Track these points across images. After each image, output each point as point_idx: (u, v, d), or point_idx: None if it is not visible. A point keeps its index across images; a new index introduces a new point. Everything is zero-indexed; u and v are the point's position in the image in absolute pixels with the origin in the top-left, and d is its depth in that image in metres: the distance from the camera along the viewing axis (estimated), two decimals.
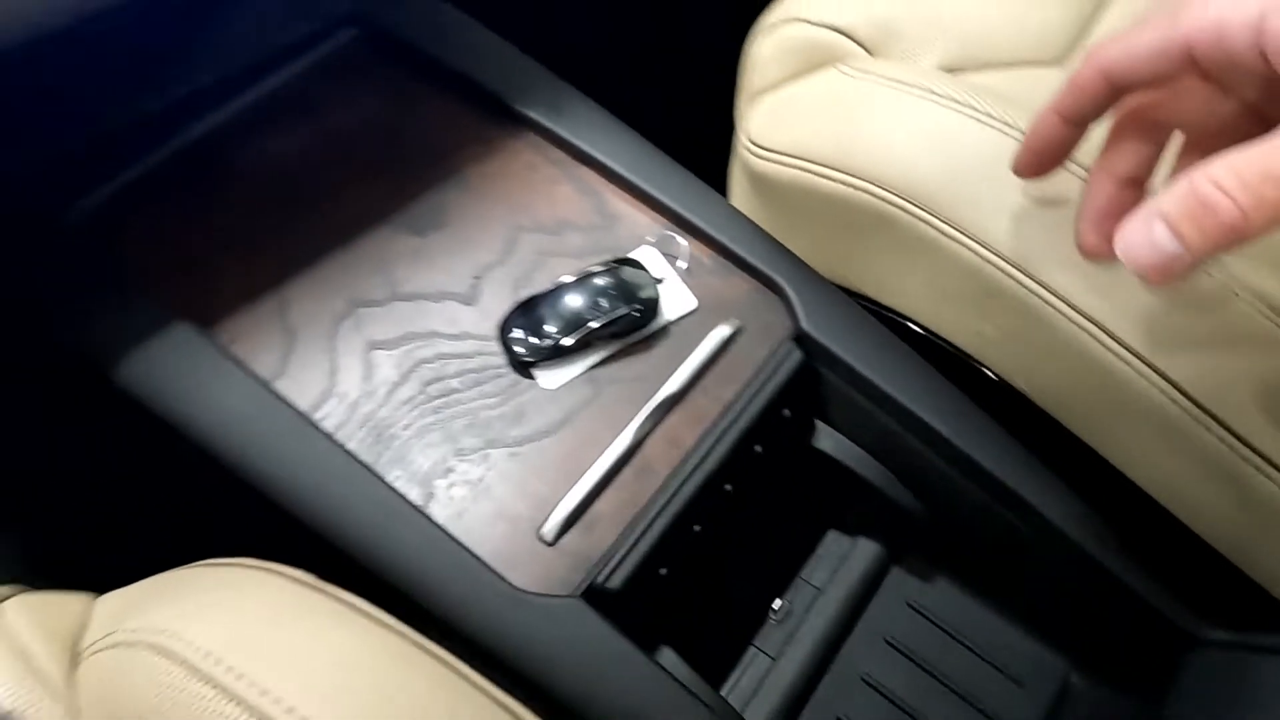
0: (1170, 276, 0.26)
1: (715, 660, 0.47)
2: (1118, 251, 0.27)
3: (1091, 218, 0.33)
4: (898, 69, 0.46)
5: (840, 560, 0.50)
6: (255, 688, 0.26)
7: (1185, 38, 0.26)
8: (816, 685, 0.47)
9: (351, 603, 0.32)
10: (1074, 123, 0.32)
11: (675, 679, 0.39)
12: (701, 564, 0.44)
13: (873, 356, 0.45)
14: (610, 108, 0.51)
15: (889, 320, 0.48)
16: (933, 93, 0.44)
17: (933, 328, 0.47)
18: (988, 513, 0.45)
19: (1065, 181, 0.39)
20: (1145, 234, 0.26)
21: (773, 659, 0.47)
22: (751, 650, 0.48)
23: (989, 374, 0.45)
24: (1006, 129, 0.42)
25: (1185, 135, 0.32)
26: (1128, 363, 0.39)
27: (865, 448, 0.47)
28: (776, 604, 0.49)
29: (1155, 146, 0.32)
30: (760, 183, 0.51)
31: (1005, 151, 0.39)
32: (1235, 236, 0.24)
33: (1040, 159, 0.34)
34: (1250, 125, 0.28)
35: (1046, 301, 0.40)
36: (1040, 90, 0.47)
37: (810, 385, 0.46)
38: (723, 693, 0.46)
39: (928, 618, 0.50)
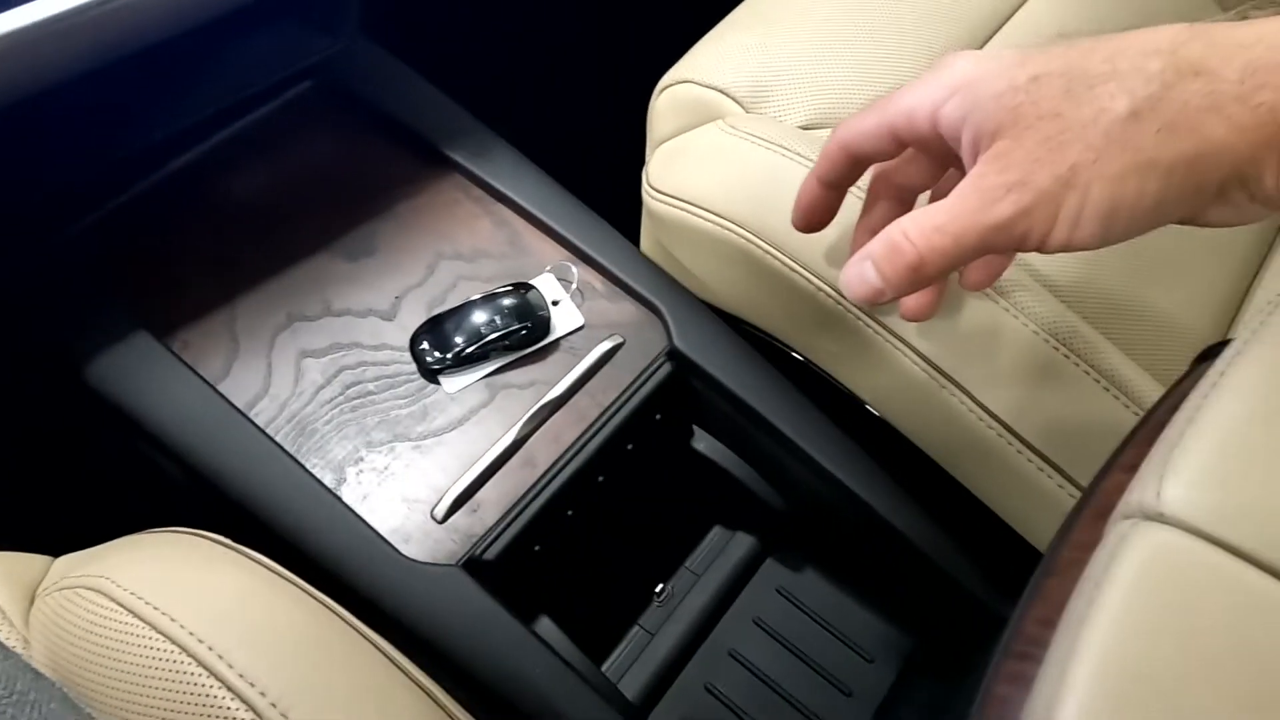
0: (876, 303, 0.33)
1: (599, 636, 0.53)
2: (841, 285, 0.34)
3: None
4: (765, 126, 0.54)
5: (719, 551, 0.57)
6: (166, 616, 0.34)
7: (890, 122, 0.33)
8: (689, 660, 0.54)
9: (259, 559, 0.39)
10: (831, 187, 0.38)
11: (547, 644, 0.45)
12: (581, 546, 0.51)
13: (735, 369, 0.52)
14: (556, 152, 0.59)
15: (756, 337, 0.55)
16: (787, 149, 0.51)
17: (789, 343, 0.54)
18: (835, 508, 0.52)
19: None
20: (859, 271, 0.32)
21: (651, 635, 0.54)
22: (635, 629, 0.55)
23: (835, 383, 0.52)
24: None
25: (925, 194, 0.39)
26: (934, 378, 0.46)
27: (735, 450, 0.54)
28: (659, 588, 0.55)
29: (901, 205, 0.39)
30: (657, 220, 0.59)
31: (850, 210, 0.47)
32: (917, 275, 0.31)
33: (809, 217, 0.39)
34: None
35: (866, 324, 0.47)
36: None
37: (683, 394, 0.53)
38: (605, 664, 0.53)
39: (793, 602, 0.56)
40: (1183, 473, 0.24)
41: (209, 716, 0.32)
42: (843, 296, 0.48)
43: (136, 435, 0.48)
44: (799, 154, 0.50)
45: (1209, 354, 0.33)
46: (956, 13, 0.61)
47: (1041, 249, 0.29)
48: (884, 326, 0.47)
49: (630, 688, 0.51)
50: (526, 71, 0.84)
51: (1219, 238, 0.60)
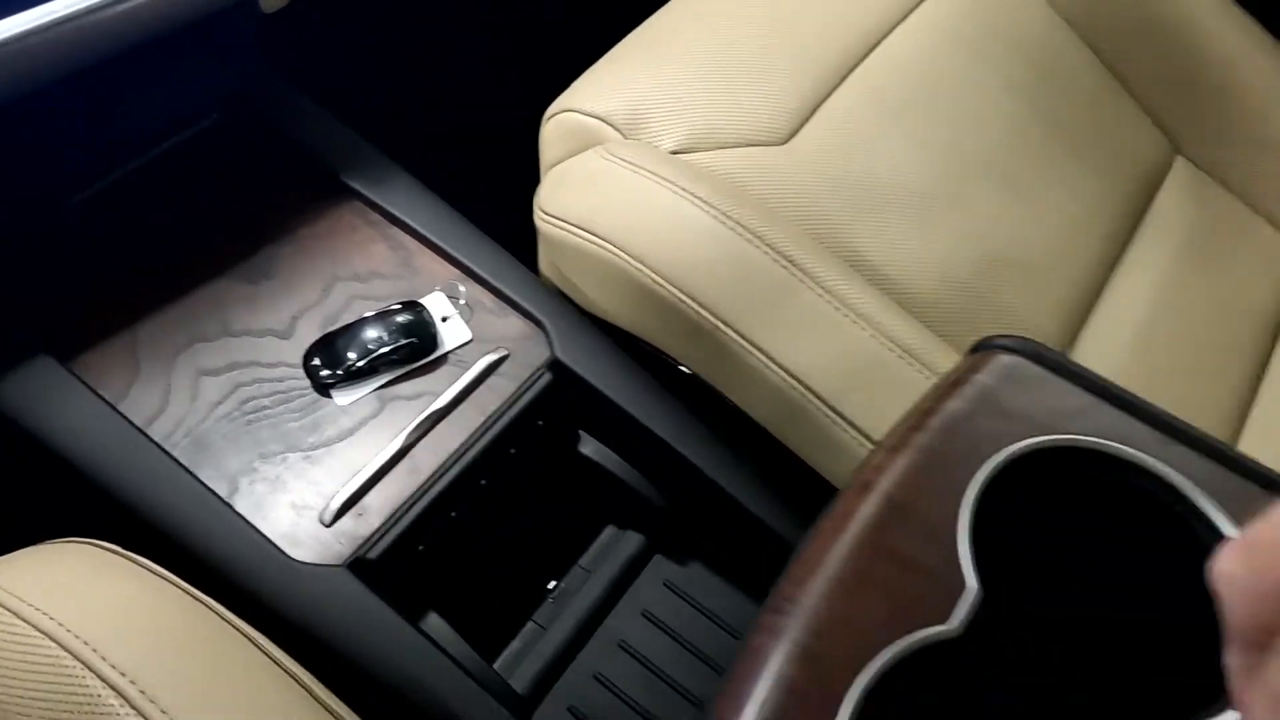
0: None
1: (493, 632, 0.56)
2: None
3: None
4: (639, 153, 0.58)
5: (611, 548, 0.61)
6: (46, 616, 0.36)
7: None
8: (579, 651, 0.57)
9: (147, 564, 0.42)
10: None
11: (433, 641, 0.49)
12: (469, 546, 0.55)
13: (613, 378, 0.56)
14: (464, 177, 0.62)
15: (636, 344, 0.59)
16: (657, 175, 0.55)
17: (670, 353, 0.58)
18: (710, 502, 0.56)
19: (736, 244, 0.51)
20: None
21: (544, 629, 0.57)
22: (529, 625, 0.58)
23: (706, 383, 0.56)
24: (703, 205, 0.53)
25: None
26: (796, 390, 0.50)
27: (619, 452, 0.58)
28: (552, 585, 0.59)
29: None
30: (547, 241, 0.63)
31: (707, 228, 0.51)
32: None
33: None
34: None
35: (723, 330, 0.51)
36: (760, 166, 0.60)
37: (566, 402, 0.57)
38: (498, 659, 0.56)
39: (680, 594, 0.60)
40: None
41: (86, 709, 0.35)
42: (704, 308, 0.52)
43: (37, 453, 0.50)
44: (667, 179, 0.55)
45: (981, 346, 0.37)
46: (822, 46, 0.66)
47: None
48: (742, 336, 0.51)
49: (521, 680, 0.55)
50: (430, 99, 0.88)
51: (1070, 244, 0.66)
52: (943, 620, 0.28)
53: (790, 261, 0.51)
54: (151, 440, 0.50)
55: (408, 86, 0.84)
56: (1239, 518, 0.28)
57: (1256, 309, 0.71)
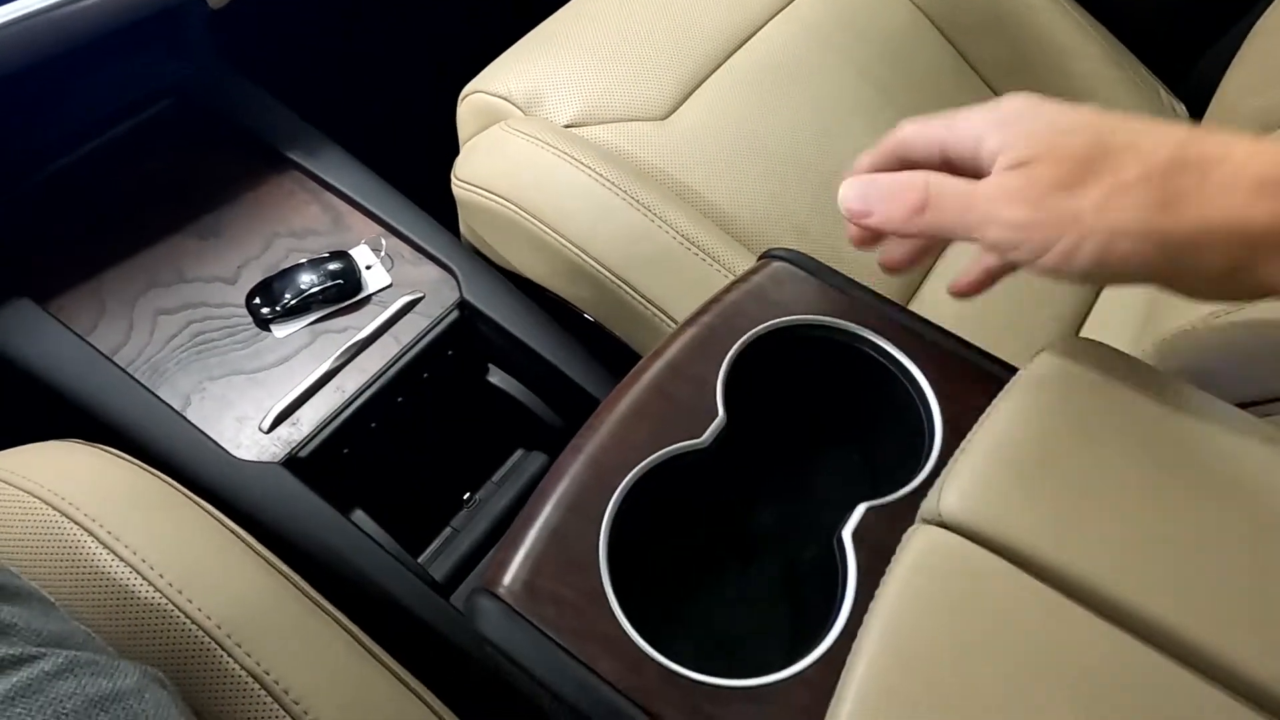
0: (859, 221, 0.34)
1: (415, 533, 0.66)
2: (840, 196, 0.35)
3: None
4: (534, 126, 0.68)
5: (519, 466, 0.71)
6: (55, 494, 0.46)
7: (942, 137, 0.34)
8: (489, 548, 0.67)
9: (122, 455, 0.51)
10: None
11: (359, 528, 0.58)
12: (390, 455, 0.64)
13: (512, 314, 0.66)
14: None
15: (535, 289, 0.69)
16: (548, 144, 0.65)
17: (566, 297, 0.68)
18: None
19: (613, 201, 0.61)
20: (860, 189, 0.34)
21: (458, 532, 0.67)
22: (447, 529, 0.68)
23: (590, 318, 0.66)
24: (587, 169, 0.64)
25: None
26: (656, 313, 0.61)
27: (522, 380, 0.68)
28: (467, 496, 0.69)
29: None
30: (461, 204, 0.73)
31: (584, 185, 0.61)
32: (910, 219, 0.32)
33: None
34: None
35: (597, 269, 0.61)
36: (641, 138, 0.70)
37: (475, 336, 0.67)
38: (421, 555, 0.66)
39: None
40: (957, 484, 0.32)
41: (66, 549, 0.44)
42: (588, 256, 0.62)
43: (20, 378, 0.59)
44: (557, 147, 0.65)
45: (764, 255, 0.47)
46: (701, 37, 0.77)
47: (1029, 267, 0.31)
48: (614, 275, 0.61)
49: (439, 571, 0.64)
50: (366, 82, 0.98)
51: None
52: (698, 438, 0.38)
53: (649, 210, 0.61)
54: (117, 365, 0.59)
55: (345, 73, 0.94)
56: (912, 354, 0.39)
57: None
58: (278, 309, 0.62)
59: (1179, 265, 0.29)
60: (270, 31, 0.87)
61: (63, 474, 0.48)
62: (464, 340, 0.66)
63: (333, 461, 0.59)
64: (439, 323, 0.65)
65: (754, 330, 0.41)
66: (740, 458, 0.39)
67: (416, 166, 0.77)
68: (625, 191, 0.63)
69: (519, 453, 0.72)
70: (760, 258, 0.47)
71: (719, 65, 0.77)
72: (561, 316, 0.69)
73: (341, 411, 0.60)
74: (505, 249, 0.70)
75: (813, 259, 0.45)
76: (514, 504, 0.69)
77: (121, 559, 0.44)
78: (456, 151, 0.77)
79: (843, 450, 0.42)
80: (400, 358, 0.63)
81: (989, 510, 0.30)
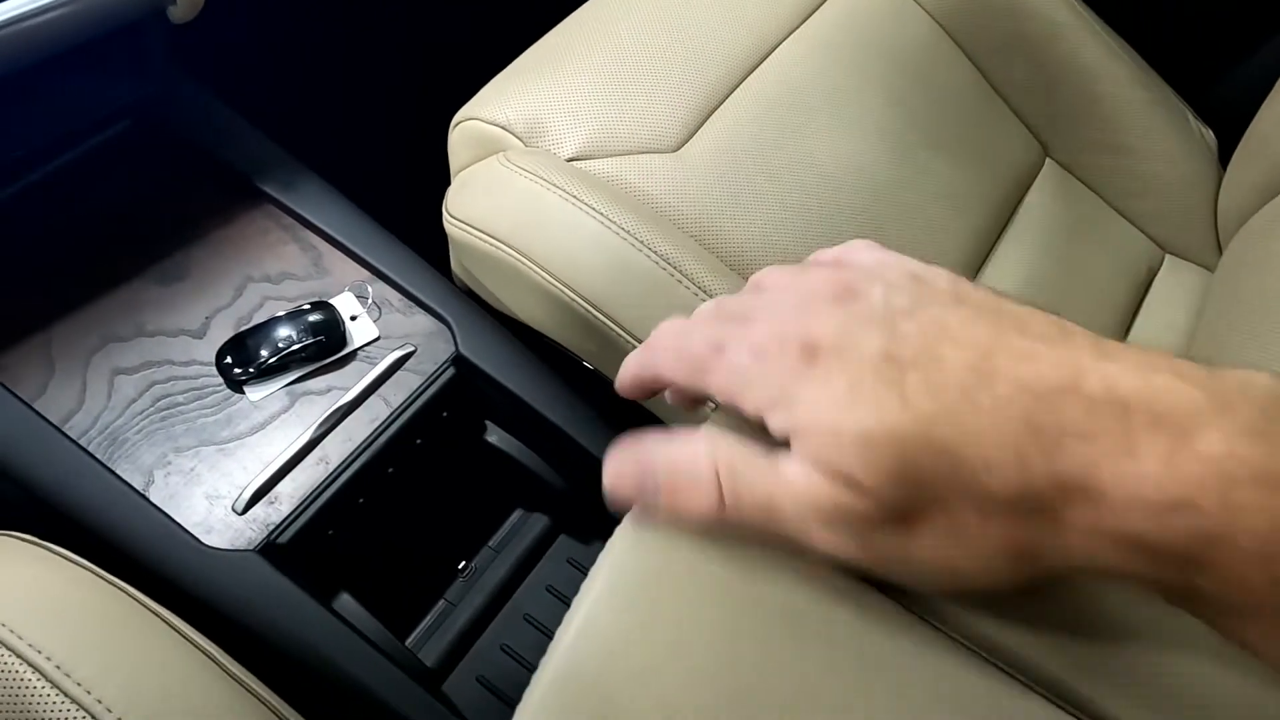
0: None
1: (405, 610, 0.60)
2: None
3: None
4: (535, 161, 0.62)
5: (518, 530, 0.65)
6: None
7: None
8: (488, 624, 0.62)
9: (61, 552, 0.45)
10: None
11: (344, 620, 0.52)
12: (380, 530, 0.58)
13: (512, 370, 0.60)
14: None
15: (541, 339, 0.63)
16: (551, 182, 0.59)
17: (566, 347, 0.62)
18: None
19: (621, 246, 0.55)
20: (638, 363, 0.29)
21: (454, 606, 0.61)
22: (440, 602, 0.62)
23: (590, 367, 0.60)
24: (597, 214, 0.58)
25: None
26: None
27: (522, 440, 0.63)
28: (462, 565, 0.63)
29: None
30: (454, 243, 0.66)
31: (593, 231, 0.55)
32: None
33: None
34: None
35: (609, 326, 0.56)
36: (653, 172, 0.64)
37: (472, 393, 0.61)
38: (410, 635, 0.60)
39: (583, 570, 0.65)
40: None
41: (6, 684, 0.38)
42: (598, 310, 0.56)
43: None
44: (564, 188, 0.59)
45: None
46: (712, 61, 0.71)
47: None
48: (623, 329, 0.55)
49: (431, 654, 0.59)
50: (347, 104, 0.90)
51: (940, 237, 0.72)
52: None
53: (667, 262, 0.56)
54: (67, 437, 0.52)
55: (323, 92, 0.87)
56: None
57: (1109, 292, 0.79)
58: (252, 369, 0.56)
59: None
60: (241, 48, 0.79)
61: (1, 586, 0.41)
62: (460, 399, 0.60)
63: (316, 544, 0.53)
64: (433, 381, 0.58)
65: None
66: None
67: (403, 198, 0.70)
68: (638, 239, 0.57)
69: (518, 513, 0.66)
70: None
71: (733, 90, 0.71)
72: (558, 361, 0.63)
73: (325, 488, 0.54)
74: (503, 293, 0.64)
75: None
76: (513, 572, 0.63)
77: (72, 698, 0.37)
78: (446, 180, 0.70)
79: None
80: (390, 423, 0.56)
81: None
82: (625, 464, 0.27)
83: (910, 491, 0.21)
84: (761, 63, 0.73)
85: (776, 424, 0.24)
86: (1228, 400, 0.19)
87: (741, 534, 0.26)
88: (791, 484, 0.23)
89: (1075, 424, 0.20)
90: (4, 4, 0.48)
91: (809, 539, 0.24)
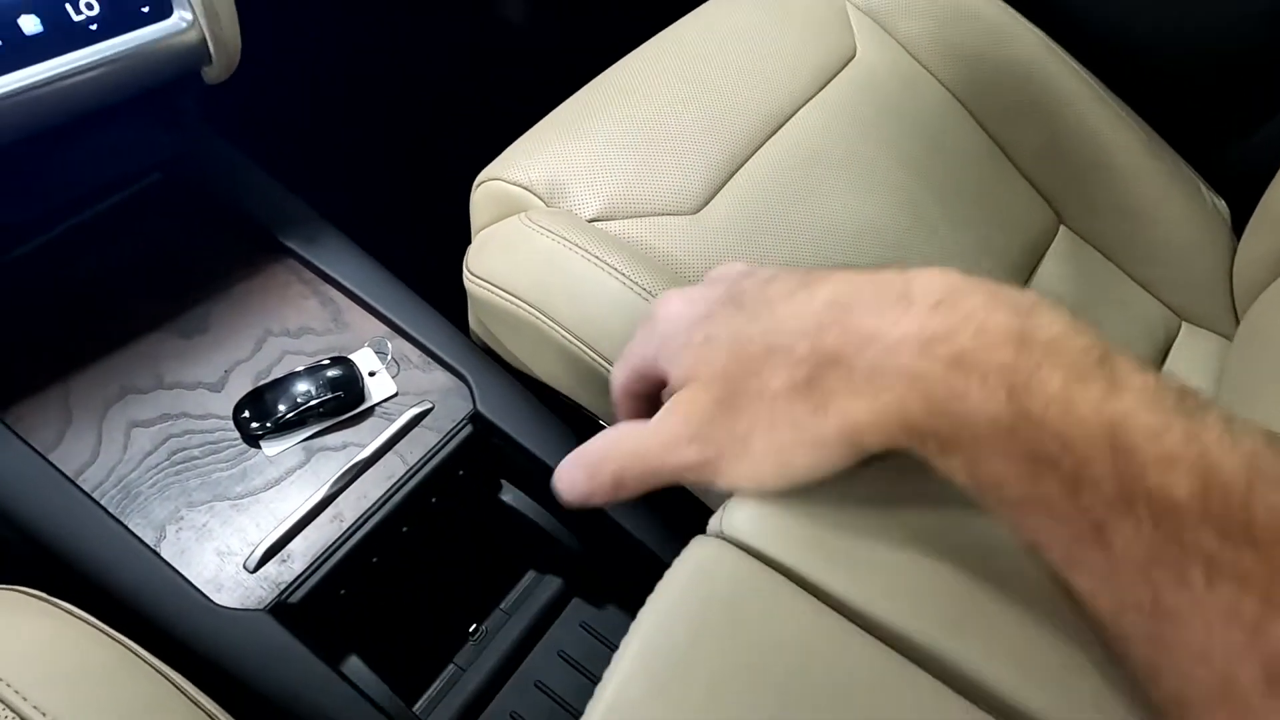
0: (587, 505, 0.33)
1: (415, 674, 0.59)
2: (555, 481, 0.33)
3: None
4: (556, 220, 0.62)
5: (531, 592, 0.64)
6: None
7: (633, 369, 0.34)
8: (498, 691, 0.60)
9: (68, 608, 0.44)
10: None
11: (351, 683, 0.51)
12: (393, 591, 0.57)
13: (530, 429, 0.59)
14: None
15: (558, 398, 0.63)
16: (572, 242, 0.60)
17: (586, 407, 0.62)
18: (620, 548, 0.60)
19: (641, 307, 0.56)
20: (570, 476, 0.32)
21: (464, 670, 0.60)
22: (450, 666, 0.60)
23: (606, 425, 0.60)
24: (619, 275, 0.58)
25: None
26: None
27: (538, 500, 0.62)
28: (473, 628, 0.62)
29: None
30: (473, 300, 0.67)
31: (615, 291, 0.55)
32: (618, 490, 0.31)
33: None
34: None
35: None
36: (673, 234, 0.65)
37: (487, 452, 0.60)
38: (420, 700, 0.58)
39: (595, 635, 0.63)
40: (745, 503, 0.32)
41: None
42: (610, 364, 0.56)
43: None
44: (585, 249, 0.59)
45: None
46: (732, 125, 0.72)
47: (727, 487, 0.30)
48: None
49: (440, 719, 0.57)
50: (369, 162, 0.92)
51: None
52: None
53: None
54: (81, 490, 0.52)
55: (347, 151, 0.88)
56: None
57: None
58: (269, 424, 0.55)
59: (847, 457, 0.28)
60: (268, 106, 0.81)
61: (3, 644, 0.40)
62: (476, 458, 0.59)
63: (326, 604, 0.52)
64: (450, 439, 0.58)
65: None
66: None
67: (423, 255, 0.70)
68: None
69: (529, 575, 0.65)
70: None
71: (752, 154, 0.72)
72: (576, 420, 0.63)
73: (339, 546, 0.53)
74: (521, 351, 0.64)
75: None
76: (526, 635, 0.62)
77: None
78: (466, 238, 0.71)
79: None
80: (406, 480, 0.56)
81: (768, 525, 0.31)
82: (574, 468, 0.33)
83: (735, 384, 0.29)
84: (780, 128, 0.75)
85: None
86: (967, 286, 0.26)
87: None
88: (659, 421, 0.30)
89: (863, 305, 0.27)
90: (48, 62, 0.49)
91: (674, 459, 0.30)
